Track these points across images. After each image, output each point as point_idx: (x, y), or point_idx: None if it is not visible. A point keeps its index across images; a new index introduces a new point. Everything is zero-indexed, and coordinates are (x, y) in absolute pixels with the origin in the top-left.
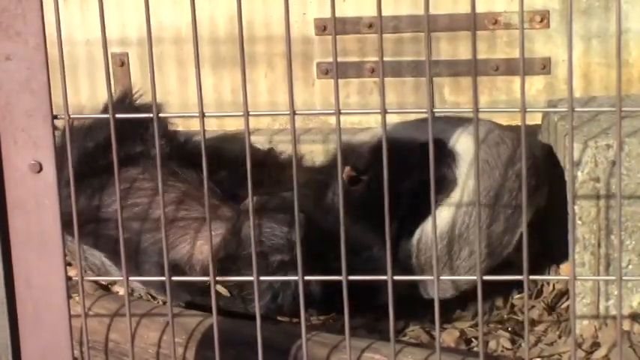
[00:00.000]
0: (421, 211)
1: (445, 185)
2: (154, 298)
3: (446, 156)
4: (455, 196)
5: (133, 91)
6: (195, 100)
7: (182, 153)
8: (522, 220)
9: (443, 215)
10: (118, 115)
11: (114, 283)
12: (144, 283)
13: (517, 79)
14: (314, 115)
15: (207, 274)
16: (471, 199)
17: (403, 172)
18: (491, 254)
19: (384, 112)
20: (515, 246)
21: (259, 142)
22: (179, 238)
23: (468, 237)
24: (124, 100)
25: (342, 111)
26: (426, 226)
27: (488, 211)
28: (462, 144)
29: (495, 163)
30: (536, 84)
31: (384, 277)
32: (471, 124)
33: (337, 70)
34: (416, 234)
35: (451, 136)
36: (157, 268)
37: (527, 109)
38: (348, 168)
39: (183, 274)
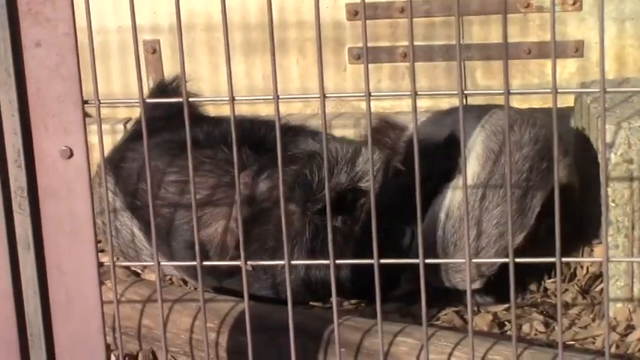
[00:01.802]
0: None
1: (454, 173)
2: (185, 282)
3: (456, 146)
4: (459, 180)
5: (168, 78)
6: (226, 87)
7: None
8: (535, 202)
9: (451, 199)
10: (148, 100)
11: (143, 268)
12: (177, 267)
13: (549, 63)
14: (345, 100)
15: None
16: (475, 182)
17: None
18: (502, 236)
19: (415, 94)
20: (546, 230)
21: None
22: (210, 218)
23: (474, 218)
24: (163, 88)
25: (372, 94)
26: (442, 209)
27: (494, 193)
28: (470, 134)
29: (501, 149)
30: (569, 67)
31: (416, 261)
32: (477, 111)
33: (367, 54)
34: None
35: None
36: (187, 249)
37: (559, 91)
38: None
39: (207, 254)
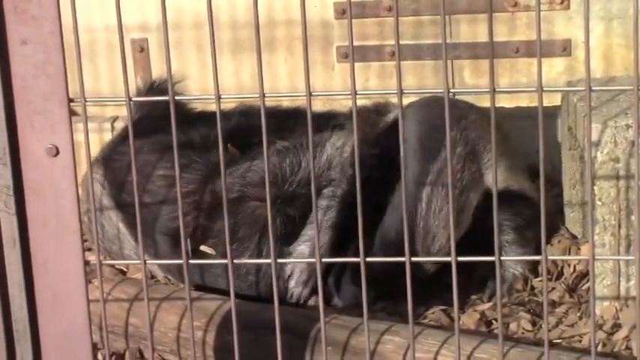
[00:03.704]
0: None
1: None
2: (169, 280)
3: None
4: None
5: (158, 78)
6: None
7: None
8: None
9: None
10: (134, 99)
11: (128, 266)
12: (160, 266)
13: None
14: (333, 99)
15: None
16: (416, 180)
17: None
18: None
19: (401, 93)
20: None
21: None
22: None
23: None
24: (153, 87)
25: (358, 93)
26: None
27: (433, 191)
28: (408, 129)
29: (435, 146)
30: (556, 66)
31: (402, 259)
32: (414, 106)
33: (353, 52)
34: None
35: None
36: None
37: (545, 89)
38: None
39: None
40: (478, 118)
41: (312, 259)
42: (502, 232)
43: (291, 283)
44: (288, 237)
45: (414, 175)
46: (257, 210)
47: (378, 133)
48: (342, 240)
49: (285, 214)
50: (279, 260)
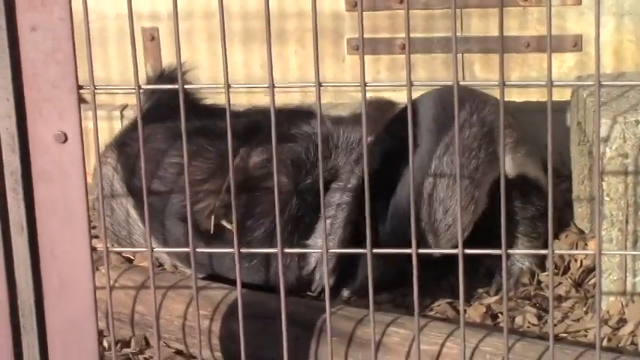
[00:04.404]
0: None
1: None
2: (176, 268)
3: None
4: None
5: (169, 66)
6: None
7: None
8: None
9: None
10: (143, 86)
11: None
12: (169, 253)
13: None
14: (344, 91)
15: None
16: (427, 163)
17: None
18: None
19: (410, 85)
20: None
21: None
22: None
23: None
24: (164, 75)
25: (368, 85)
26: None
27: (439, 177)
28: (423, 111)
29: (445, 130)
30: (567, 61)
31: (408, 251)
32: (430, 93)
33: (363, 45)
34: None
35: (419, 104)
36: (179, 227)
37: (554, 83)
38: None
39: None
40: (496, 104)
41: (319, 250)
42: (514, 222)
43: (317, 275)
44: (307, 227)
45: (428, 152)
46: (281, 189)
47: (387, 124)
48: (359, 233)
49: (305, 203)
50: (287, 250)
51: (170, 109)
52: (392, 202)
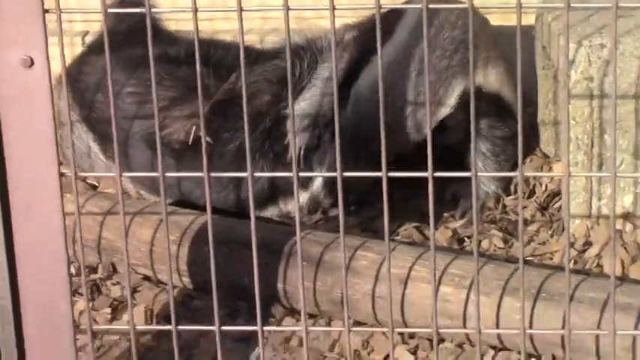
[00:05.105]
0: None
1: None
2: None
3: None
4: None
5: None
6: (185, 3)
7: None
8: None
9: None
10: (110, 10)
11: (99, 180)
12: (133, 180)
13: None
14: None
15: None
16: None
17: None
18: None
19: (380, 7)
20: None
21: (251, 40)
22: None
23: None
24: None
25: (336, 7)
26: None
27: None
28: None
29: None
30: None
31: (378, 174)
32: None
33: None
34: None
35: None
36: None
37: (524, 6)
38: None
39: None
40: (478, 17)
41: (290, 174)
42: (483, 139)
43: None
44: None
45: (400, 43)
46: (265, 108)
47: (373, 18)
48: None
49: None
50: (256, 174)
51: (122, 35)
52: (353, 89)
